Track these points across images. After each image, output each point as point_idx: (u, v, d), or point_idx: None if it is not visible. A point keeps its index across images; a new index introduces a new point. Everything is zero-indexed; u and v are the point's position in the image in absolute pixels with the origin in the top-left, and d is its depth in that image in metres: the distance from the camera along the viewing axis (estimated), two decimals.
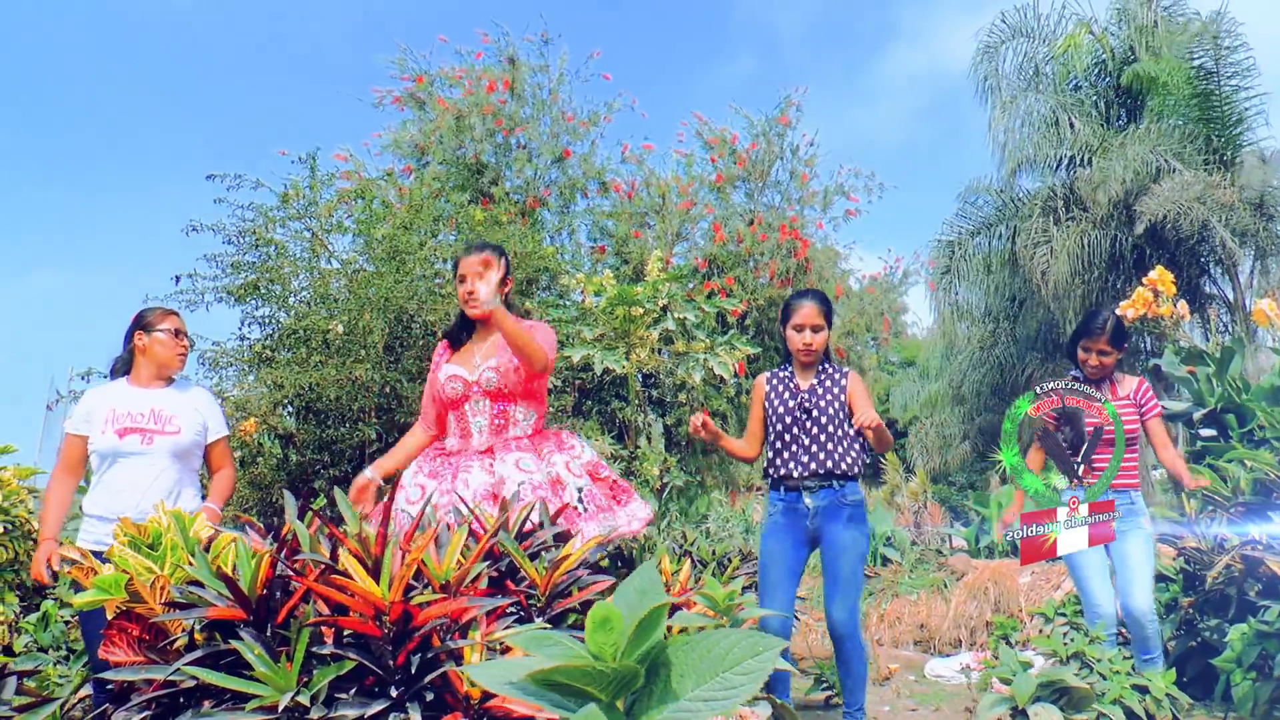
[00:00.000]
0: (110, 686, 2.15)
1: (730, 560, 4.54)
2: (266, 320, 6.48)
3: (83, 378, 5.89)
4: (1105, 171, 12.63)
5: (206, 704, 1.97)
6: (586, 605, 2.47)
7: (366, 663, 1.82)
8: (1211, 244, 13.24)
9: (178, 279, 6.23)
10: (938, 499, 16.57)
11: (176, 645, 2.10)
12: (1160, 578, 4.59)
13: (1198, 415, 7.01)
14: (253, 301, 6.41)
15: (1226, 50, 13.05)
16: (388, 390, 6.01)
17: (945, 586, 6.68)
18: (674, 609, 2.54)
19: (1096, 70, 14.70)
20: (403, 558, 1.90)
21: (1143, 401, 4.10)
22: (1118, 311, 7.29)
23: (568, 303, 6.43)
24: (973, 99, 15.11)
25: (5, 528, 3.68)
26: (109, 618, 2.20)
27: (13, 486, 3.78)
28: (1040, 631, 5.21)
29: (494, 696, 1.88)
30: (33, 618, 4.21)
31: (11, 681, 1.71)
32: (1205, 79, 13.36)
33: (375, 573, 1.84)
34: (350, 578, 1.84)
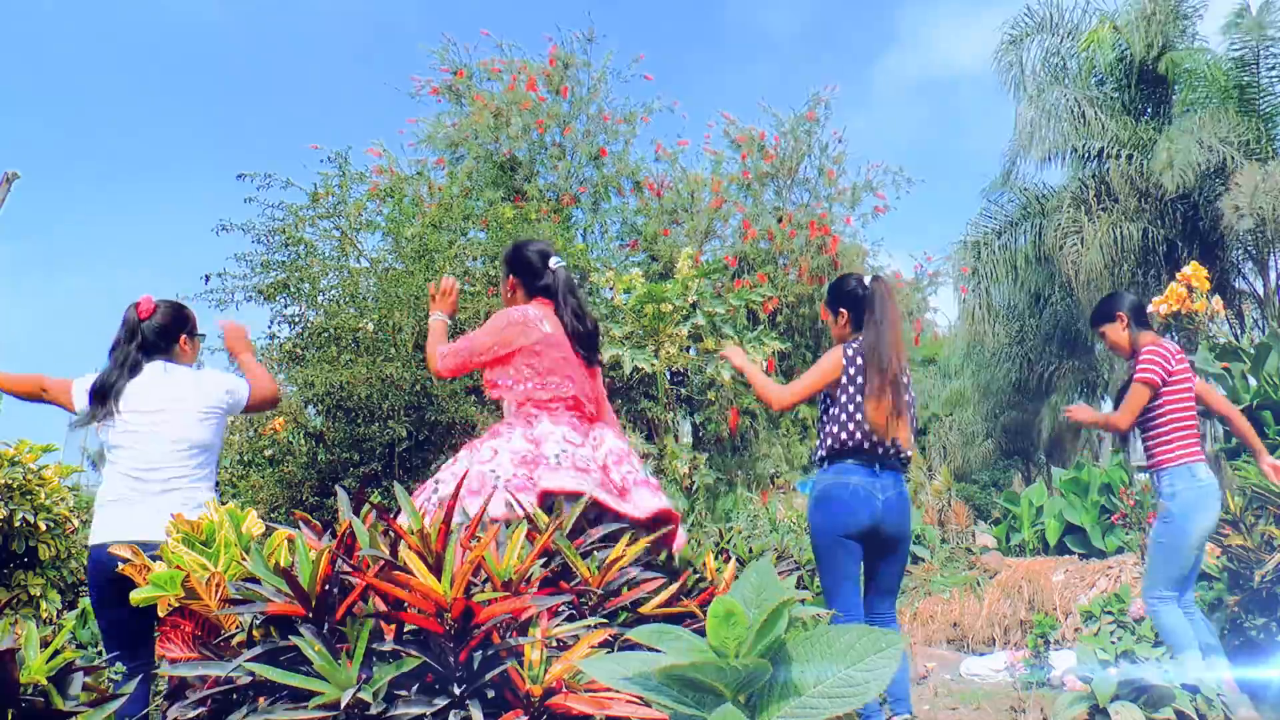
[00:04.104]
0: (164, 683, 2.15)
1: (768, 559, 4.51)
2: (296, 319, 6.51)
3: None
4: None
5: (261, 701, 1.96)
6: (637, 603, 2.45)
7: (428, 660, 1.80)
8: (1242, 239, 13.11)
9: (207, 278, 6.27)
10: (961, 497, 16.47)
11: (232, 642, 2.09)
12: (1203, 576, 4.53)
13: None
14: (282, 300, 6.44)
15: (1270, 41, 12.92)
16: (418, 388, 6.01)
17: (978, 585, 6.62)
18: None
19: (1123, 63, 14.57)
20: (464, 555, 1.88)
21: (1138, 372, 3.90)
22: (1149, 308, 7.24)
23: (598, 300, 6.41)
24: (985, 100, 15.08)
25: (48, 525, 3.70)
26: (160, 614, 2.20)
27: (54, 485, 3.79)
28: (1078, 630, 5.15)
29: (555, 694, 1.86)
30: (72, 615, 4.23)
31: (78, 678, 1.70)
32: (1243, 70, 13.23)
33: (437, 569, 1.83)
34: (411, 574, 1.82)
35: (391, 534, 2.07)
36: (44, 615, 3.71)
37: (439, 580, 1.83)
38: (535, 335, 3.20)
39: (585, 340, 3.34)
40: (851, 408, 3.46)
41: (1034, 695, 4.65)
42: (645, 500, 3.05)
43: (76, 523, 3.90)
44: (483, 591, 1.92)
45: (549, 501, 2.93)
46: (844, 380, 3.49)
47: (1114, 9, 14.50)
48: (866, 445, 3.42)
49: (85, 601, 4.33)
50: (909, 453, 3.52)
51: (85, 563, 4.41)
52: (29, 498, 3.73)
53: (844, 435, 3.45)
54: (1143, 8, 13.98)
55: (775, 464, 8.54)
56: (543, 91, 9.43)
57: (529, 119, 9.21)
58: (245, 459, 6.49)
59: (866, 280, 3.70)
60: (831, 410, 3.53)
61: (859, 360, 3.49)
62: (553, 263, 3.41)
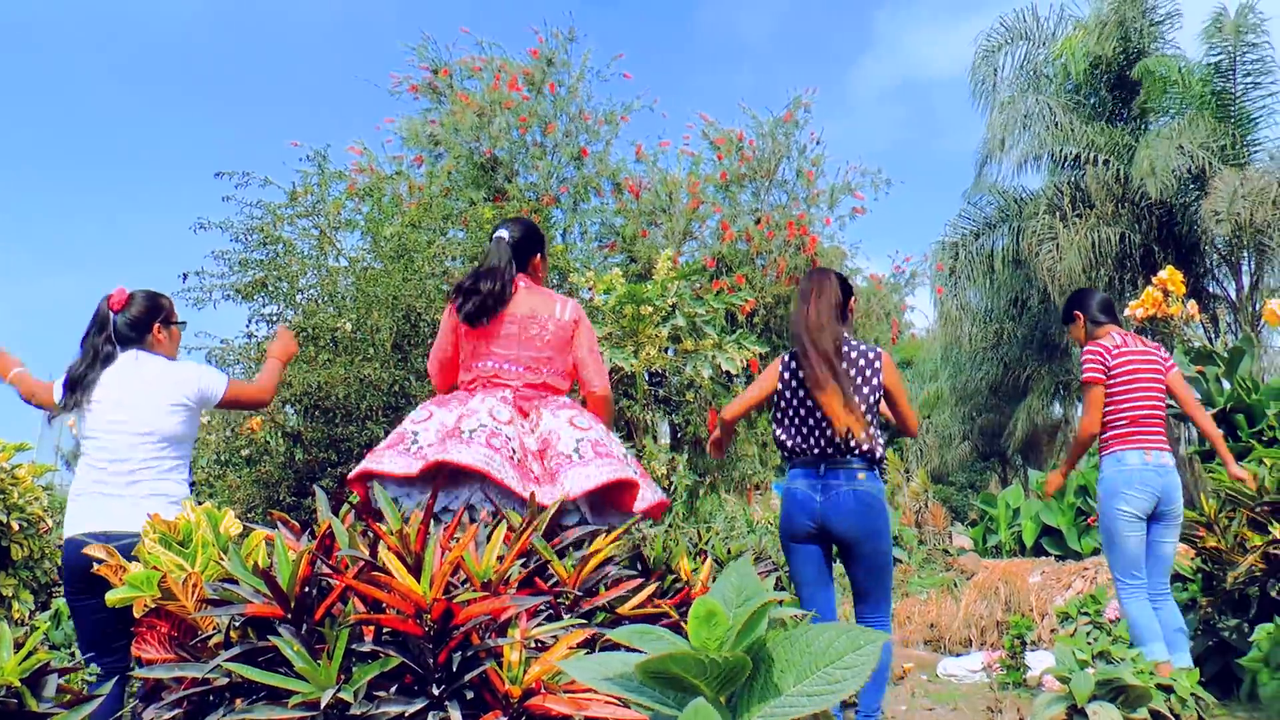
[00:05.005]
0: (139, 684, 2.13)
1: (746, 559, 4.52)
2: (274, 318, 6.46)
3: None
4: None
5: (239, 701, 1.95)
6: (614, 603, 2.45)
7: (407, 661, 1.80)
8: (1216, 243, 13.26)
9: (185, 276, 6.22)
10: (938, 499, 16.55)
11: (209, 643, 2.07)
12: (1177, 577, 4.58)
13: None
14: (260, 299, 6.39)
15: (1246, 47, 13.08)
16: (396, 389, 5.98)
17: (955, 586, 6.66)
18: None
19: (1097, 70, 14.69)
20: (443, 555, 1.88)
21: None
22: (1126, 312, 7.32)
23: (578, 301, 6.40)
24: (962, 104, 15.30)
25: (20, 525, 3.65)
26: (136, 615, 2.18)
27: (27, 484, 3.75)
28: (1054, 631, 5.20)
29: (534, 695, 1.86)
30: (45, 615, 4.18)
31: (52, 679, 1.68)
32: (1219, 76, 13.39)
33: (416, 570, 1.82)
34: (391, 575, 1.81)
35: (371, 534, 2.06)
36: (16, 616, 3.67)
37: (418, 581, 1.82)
38: (452, 319, 3.22)
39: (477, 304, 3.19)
40: (789, 410, 3.45)
41: (1010, 696, 4.69)
42: (574, 482, 2.90)
43: (50, 523, 3.86)
44: (462, 592, 1.92)
45: (449, 471, 2.84)
46: (780, 386, 3.49)
47: (1087, 16, 14.63)
48: (804, 448, 3.40)
49: (59, 602, 4.29)
50: (865, 447, 3.34)
51: (59, 563, 4.38)
52: (1, 497, 3.68)
53: (784, 439, 3.47)
54: (1114, 15, 14.10)
55: (752, 465, 8.58)
56: (525, 90, 9.42)
57: (512, 118, 9.20)
58: (222, 459, 6.44)
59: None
60: (776, 416, 3.54)
61: (793, 365, 3.47)
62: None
